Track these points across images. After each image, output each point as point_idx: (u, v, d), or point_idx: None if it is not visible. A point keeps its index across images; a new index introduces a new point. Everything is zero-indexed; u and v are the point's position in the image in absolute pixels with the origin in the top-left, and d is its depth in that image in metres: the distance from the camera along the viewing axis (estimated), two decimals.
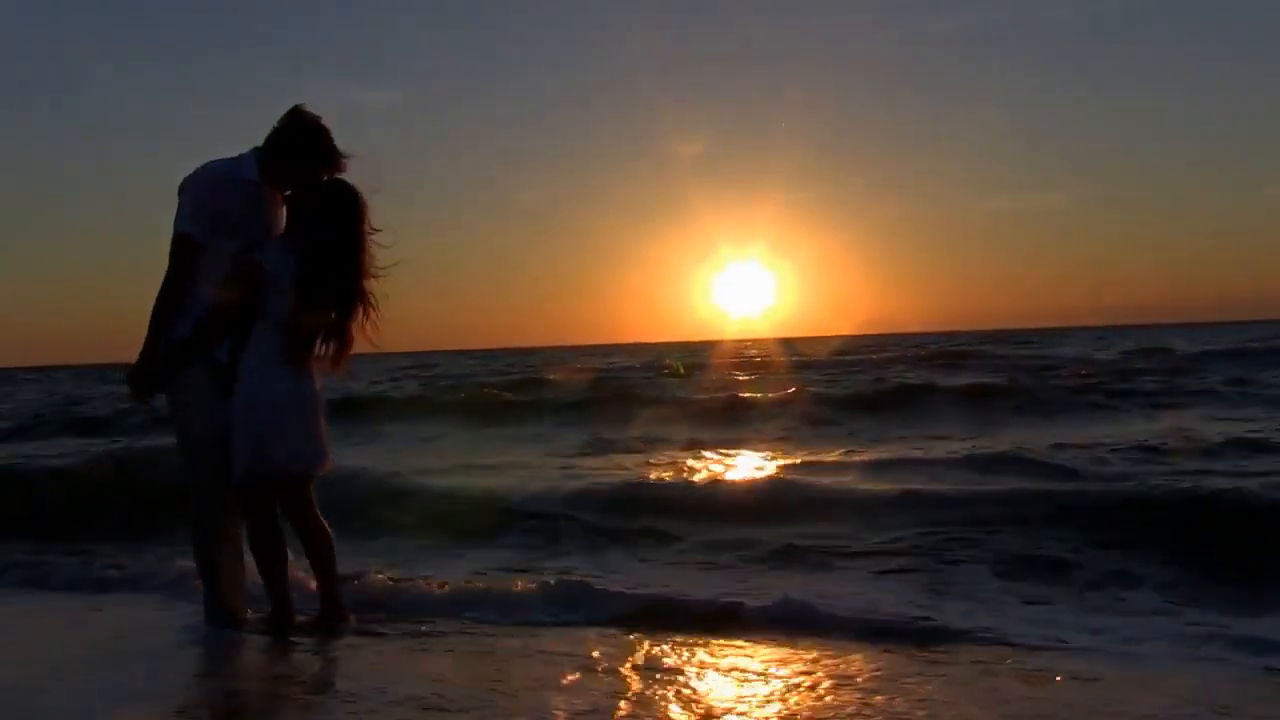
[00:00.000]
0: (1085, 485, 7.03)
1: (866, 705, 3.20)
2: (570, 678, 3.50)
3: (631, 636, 4.13)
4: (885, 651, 3.88)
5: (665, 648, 3.94)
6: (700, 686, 3.43)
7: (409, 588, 4.99)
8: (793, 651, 3.89)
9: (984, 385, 16.28)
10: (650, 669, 3.63)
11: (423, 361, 43.97)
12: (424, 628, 4.39)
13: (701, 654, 3.85)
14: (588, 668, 3.63)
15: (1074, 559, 5.19)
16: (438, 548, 6.16)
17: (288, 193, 4.07)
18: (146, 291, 4.01)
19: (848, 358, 34.03)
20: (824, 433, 12.55)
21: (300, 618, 4.23)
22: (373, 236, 4.05)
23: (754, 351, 47.59)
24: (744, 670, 3.64)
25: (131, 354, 4.03)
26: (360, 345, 4.11)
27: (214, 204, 3.94)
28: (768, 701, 3.27)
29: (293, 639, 4.07)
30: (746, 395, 16.87)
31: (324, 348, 4.07)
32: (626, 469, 9.44)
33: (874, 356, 34.08)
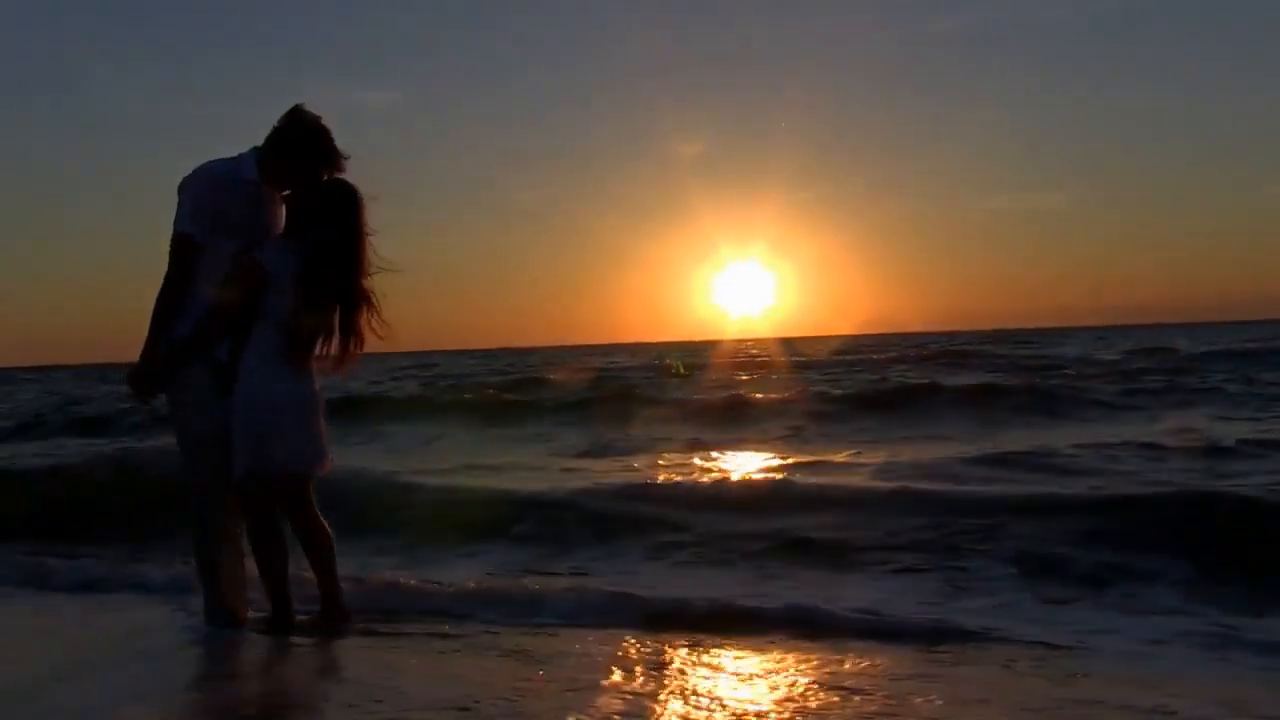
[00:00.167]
0: (1096, 485, 7.01)
1: (895, 705, 3.18)
2: (594, 680, 3.47)
3: (653, 639, 4.10)
4: (907, 652, 3.87)
5: (686, 650, 3.91)
6: (724, 690, 3.39)
7: (418, 588, 4.98)
8: (811, 653, 3.87)
9: (989, 385, 16.23)
10: (676, 672, 3.61)
11: (423, 361, 44.04)
12: (434, 629, 4.37)
13: (721, 657, 3.83)
14: (611, 671, 3.60)
15: (1087, 558, 5.14)
16: (442, 549, 6.13)
17: (287, 192, 4.06)
18: (146, 291, 3.99)
19: (849, 357, 34.07)
20: (829, 432, 12.50)
21: (300, 618, 4.20)
22: (371, 237, 4.04)
23: (755, 351, 47.63)
24: (764, 673, 3.61)
25: (131, 354, 4.02)
26: (367, 343, 4.09)
27: (213, 204, 3.93)
28: (789, 704, 3.23)
29: (293, 639, 4.06)
30: (749, 395, 16.84)
31: (325, 347, 4.05)
32: (630, 469, 9.41)
33: (875, 356, 34.11)
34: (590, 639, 4.13)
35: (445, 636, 4.27)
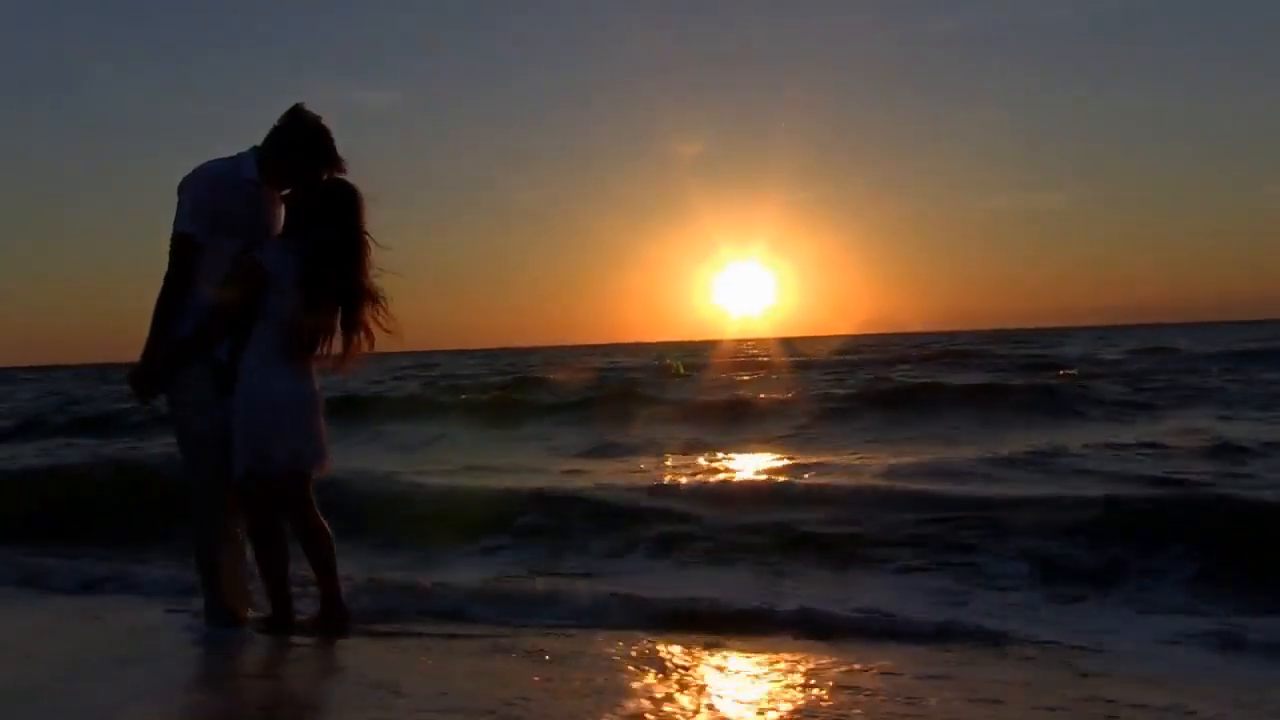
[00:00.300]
0: (1105, 485, 6.98)
1: (912, 706, 3.17)
2: (606, 682, 3.46)
3: (665, 639, 4.10)
4: (920, 652, 3.86)
5: (699, 651, 3.90)
6: (740, 692, 3.37)
7: (421, 589, 4.98)
8: (823, 654, 3.86)
9: (994, 385, 16.16)
10: (690, 673, 3.60)
11: (423, 361, 43.96)
12: (437, 629, 4.36)
13: (734, 658, 3.82)
14: (622, 672, 3.59)
15: (1096, 558, 5.13)
16: (446, 550, 6.11)
17: (287, 192, 4.05)
18: (146, 291, 3.97)
19: (850, 357, 34.02)
20: (833, 433, 12.43)
21: (299, 617, 4.20)
22: (371, 236, 4.03)
23: (755, 351, 47.57)
24: (779, 674, 3.58)
25: (131, 354, 4.02)
26: (377, 339, 4.09)
27: (213, 203, 3.92)
28: (807, 705, 3.21)
29: (293, 639, 4.05)
30: (751, 395, 16.81)
31: (327, 347, 4.04)
32: (633, 470, 9.37)
33: (877, 357, 34.02)
34: (599, 640, 4.12)
35: (450, 637, 4.26)
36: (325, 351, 4.05)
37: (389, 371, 30.42)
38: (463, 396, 18.56)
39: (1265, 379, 17.01)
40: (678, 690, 3.37)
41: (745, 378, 23.90)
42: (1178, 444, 9.49)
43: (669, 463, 9.88)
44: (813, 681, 3.46)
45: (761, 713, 3.14)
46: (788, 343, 60.52)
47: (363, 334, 4.05)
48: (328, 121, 3.99)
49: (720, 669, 3.67)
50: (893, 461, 8.95)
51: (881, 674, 3.54)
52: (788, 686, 3.42)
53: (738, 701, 3.25)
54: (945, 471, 8.00)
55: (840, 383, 19.52)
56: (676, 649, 3.92)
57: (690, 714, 3.12)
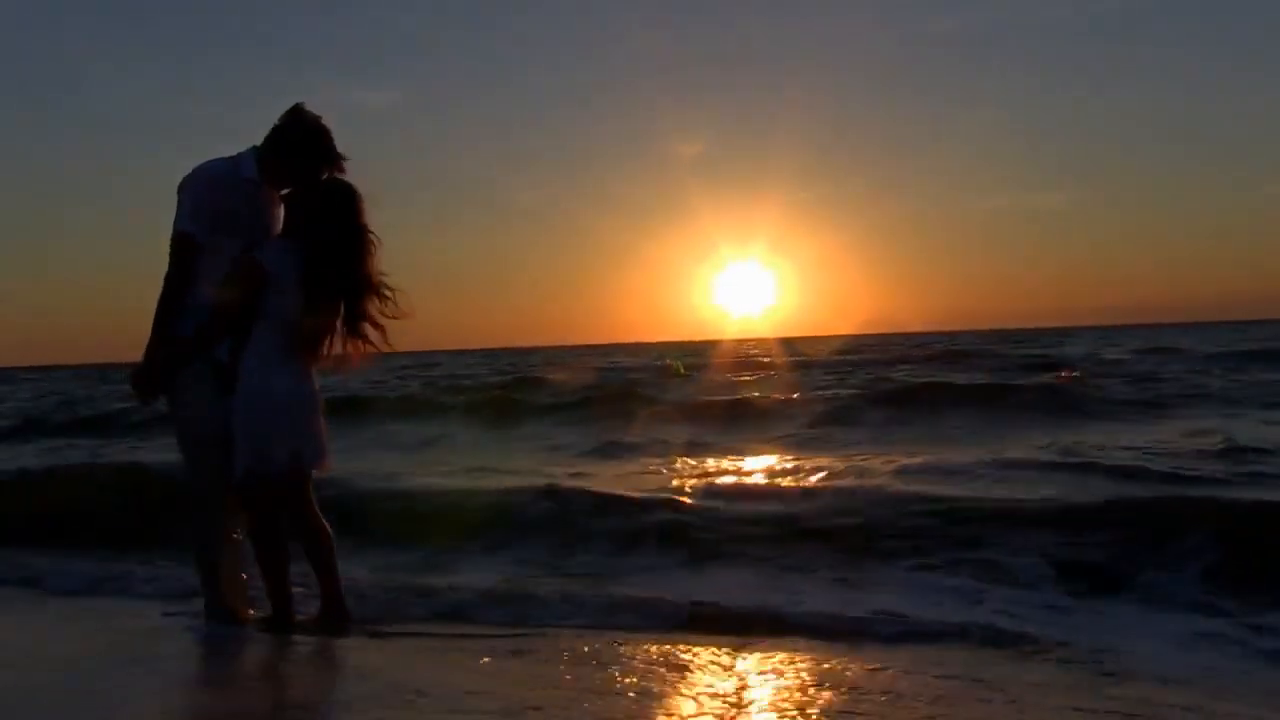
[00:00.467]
0: (1118, 484, 6.95)
1: (946, 710, 3.15)
2: (618, 683, 3.43)
3: (683, 641, 4.08)
4: (945, 654, 3.85)
5: (719, 653, 3.87)
6: (768, 695, 3.33)
7: (434, 590, 4.98)
8: (848, 657, 3.84)
9: (1000, 385, 16.08)
10: (709, 675, 3.57)
11: (424, 361, 43.95)
12: (443, 629, 4.36)
13: (758, 660, 3.78)
14: (647, 675, 3.56)
15: (1114, 559, 5.10)
16: (451, 551, 6.08)
17: (286, 191, 4.04)
18: (146, 291, 3.97)
19: (851, 357, 34.00)
20: (839, 433, 12.34)
21: (300, 617, 4.19)
22: (373, 234, 4.02)
23: (755, 351, 47.55)
24: (810, 677, 3.55)
25: (131, 354, 4.02)
26: (386, 331, 4.07)
27: (213, 203, 3.92)
28: (838, 708, 3.17)
29: (294, 639, 4.04)
30: (754, 395, 16.74)
31: (330, 346, 4.04)
32: (638, 470, 9.33)
33: (878, 357, 33.98)
34: (614, 641, 4.10)
35: (462, 637, 4.26)
36: (327, 352, 4.05)
37: (389, 371, 30.40)
38: (463, 396, 18.52)
39: (1269, 379, 16.96)
40: (700, 693, 3.34)
41: (746, 378, 23.85)
42: (1187, 443, 9.46)
43: (673, 463, 9.82)
44: (835, 683, 3.43)
45: (788, 716, 3.10)
46: (788, 343, 60.51)
47: (370, 327, 4.03)
48: (328, 121, 3.99)
49: (741, 671, 3.64)
50: (902, 461, 8.89)
51: (903, 675, 3.52)
52: (810, 688, 3.39)
53: (764, 705, 3.21)
54: (953, 471, 7.94)
55: (842, 383, 19.48)
56: (694, 651, 3.90)
57: (716, 717, 3.09)
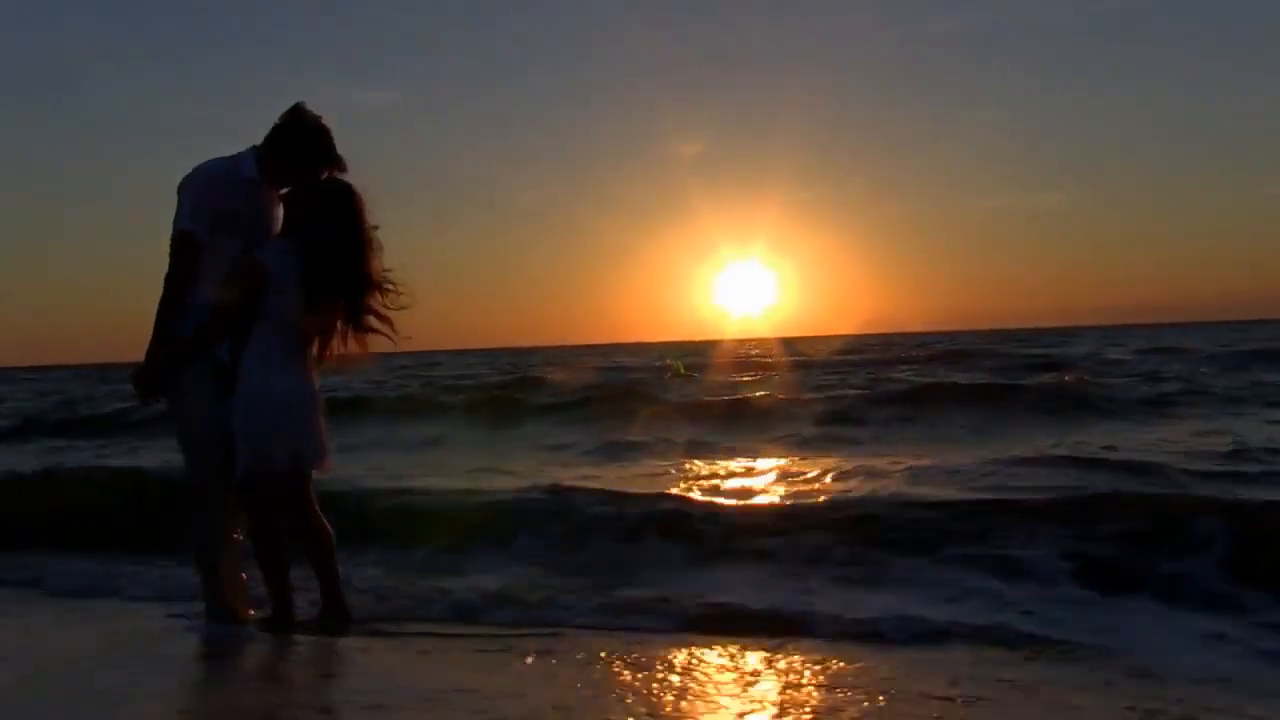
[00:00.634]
0: (1130, 483, 6.90)
1: (974, 708, 3.15)
2: (656, 687, 3.41)
3: (702, 643, 4.06)
4: (978, 657, 3.84)
5: (746, 656, 3.84)
6: (804, 698, 3.30)
7: (442, 591, 5.00)
8: (875, 660, 3.81)
9: (1005, 385, 15.98)
10: (741, 679, 3.54)
11: (425, 361, 43.92)
12: (450, 630, 4.36)
13: (786, 663, 3.75)
14: (671, 676, 3.54)
15: (1133, 557, 5.04)
16: (457, 553, 6.02)
17: (285, 191, 4.05)
18: (146, 291, 4.00)
19: (852, 357, 33.93)
20: (845, 433, 12.17)
21: (300, 617, 4.20)
22: (375, 232, 4.04)
23: (757, 351, 47.49)
24: (847, 680, 3.50)
25: (131, 354, 4.07)
26: (388, 327, 4.08)
27: (213, 203, 3.93)
28: (876, 712, 3.14)
29: (295, 639, 4.04)
30: (756, 395, 16.61)
31: (331, 345, 4.08)
32: (643, 471, 9.25)
33: (880, 356, 33.92)
34: (634, 643, 4.08)
35: (466, 636, 4.25)
36: (328, 352, 4.08)
37: (389, 371, 30.35)
38: (463, 396, 18.48)
39: (1274, 380, 16.90)
40: (719, 694, 3.32)
41: (747, 378, 23.78)
42: (1196, 443, 9.40)
43: (677, 463, 9.74)
44: (860, 685, 3.40)
45: (809, 718, 3.08)
46: (788, 343, 60.46)
47: (376, 321, 4.04)
48: (328, 121, 4.00)
49: (755, 673, 3.60)
50: (908, 461, 8.81)
51: (927, 677, 3.50)
52: (830, 689, 3.36)
53: (785, 707, 3.18)
54: (960, 470, 7.86)
55: (845, 382, 19.40)
56: (708, 652, 3.88)
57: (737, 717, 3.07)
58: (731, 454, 10.53)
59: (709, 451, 10.76)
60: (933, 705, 3.17)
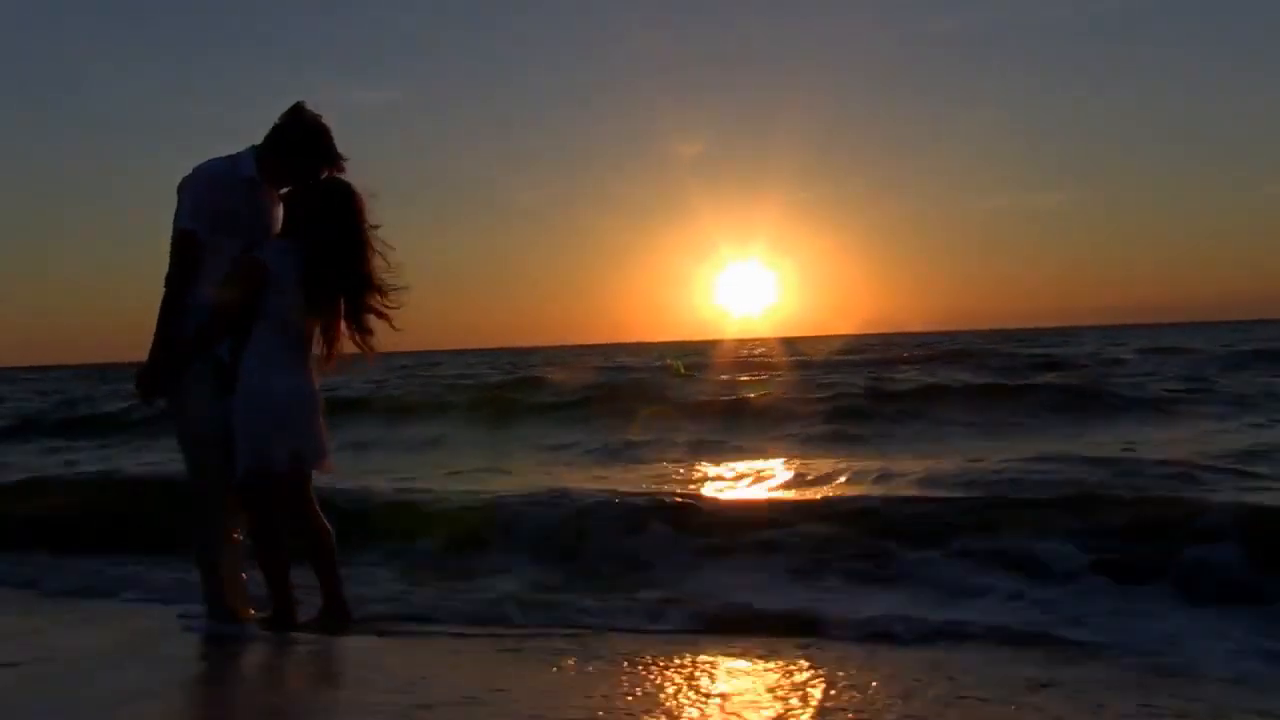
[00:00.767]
0: (1147, 482, 6.86)
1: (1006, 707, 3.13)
2: (681, 689, 3.39)
3: (723, 644, 4.04)
4: (993, 654, 3.85)
5: (766, 659, 3.81)
6: (845, 701, 3.25)
7: (451, 593, 5.00)
8: (889, 659, 3.80)
9: (1008, 385, 15.88)
10: (765, 680, 3.52)
11: (425, 361, 43.91)
12: (456, 631, 4.36)
13: (805, 665, 3.71)
14: (676, 678, 3.53)
15: (1151, 556, 4.99)
16: (462, 554, 6.00)
17: (285, 190, 4.06)
18: (146, 291, 4.00)
19: (854, 357, 33.84)
20: (850, 432, 12.11)
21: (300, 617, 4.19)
22: (377, 232, 4.04)
23: (759, 351, 47.47)
24: (878, 682, 3.47)
25: (131, 354, 4.14)
26: (386, 328, 4.09)
27: (213, 203, 3.92)
28: (916, 714, 3.11)
29: (295, 638, 4.04)
30: (759, 395, 16.58)
31: (331, 346, 4.08)
32: (649, 471, 9.20)
33: (881, 356, 33.84)
34: (637, 643, 4.07)
35: (481, 638, 4.24)
36: (331, 351, 4.09)
37: (390, 371, 30.34)
38: (464, 396, 18.45)
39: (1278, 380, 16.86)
40: (749, 697, 3.29)
41: (749, 378, 23.71)
42: (1205, 442, 9.36)
43: (682, 463, 9.70)
44: (916, 688, 3.37)
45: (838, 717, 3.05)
46: (789, 342, 60.44)
47: (374, 319, 4.04)
48: (328, 120, 4.00)
49: (784, 676, 3.56)
50: (919, 459, 8.78)
51: (949, 679, 3.47)
52: (890, 694, 3.31)
53: (822, 713, 3.14)
54: (968, 469, 7.80)
55: (847, 382, 19.30)
56: (731, 654, 3.87)
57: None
58: (738, 453, 10.50)
59: (714, 450, 10.72)
60: (973, 704, 3.16)
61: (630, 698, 3.26)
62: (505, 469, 9.58)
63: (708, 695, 3.30)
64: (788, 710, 3.14)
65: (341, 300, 4.03)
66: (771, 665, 3.71)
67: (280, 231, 4.06)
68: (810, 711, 3.12)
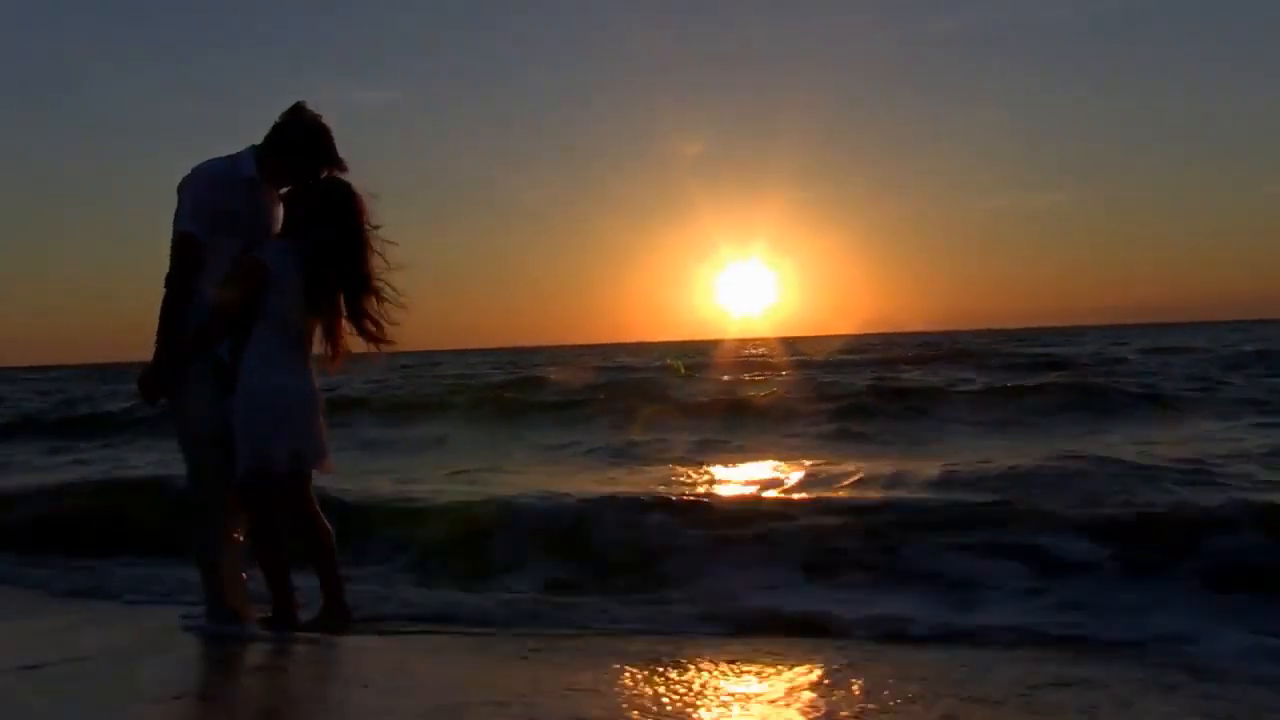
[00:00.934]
0: (1157, 482, 6.80)
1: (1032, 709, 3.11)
2: (703, 690, 3.38)
3: (742, 646, 4.03)
4: (1014, 656, 3.83)
5: (785, 662, 3.77)
6: (874, 702, 3.21)
7: (457, 597, 5.01)
8: (905, 661, 3.77)
9: (1013, 385, 15.86)
10: (785, 682, 3.49)
11: (425, 360, 43.92)
12: (461, 631, 4.37)
13: (823, 667, 3.67)
14: (696, 681, 3.50)
15: (1162, 555, 4.95)
16: (470, 557, 5.95)
17: (284, 190, 4.07)
18: (146, 291, 4.01)
19: (855, 357, 33.80)
20: (854, 432, 12.05)
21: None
22: (378, 232, 4.05)
23: (760, 351, 47.49)
24: (909, 684, 3.43)
25: (131, 353, 4.10)
26: (382, 332, 4.09)
27: (212, 203, 3.93)
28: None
29: (296, 638, 4.03)
30: (761, 395, 16.54)
31: (329, 346, 4.10)
32: (655, 471, 9.13)
33: (882, 356, 33.81)
34: (651, 644, 4.05)
35: (495, 639, 4.25)
36: (330, 351, 4.10)
37: (390, 371, 30.34)
38: (465, 396, 18.43)
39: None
40: (765, 700, 3.27)
41: (750, 378, 23.69)
42: (1214, 442, 9.30)
43: (686, 463, 9.63)
44: (905, 688, 3.34)
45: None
46: (789, 342, 60.46)
47: (368, 324, 4.05)
48: (328, 120, 4.01)
49: (798, 677, 3.53)
50: (929, 458, 8.71)
51: (968, 679, 3.45)
52: (914, 695, 3.27)
53: (822, 711, 3.12)
54: (975, 469, 7.75)
55: (849, 382, 19.26)
56: (745, 655, 3.84)
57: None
58: (742, 452, 10.44)
59: (718, 450, 10.67)
60: (1005, 708, 3.14)
61: (648, 699, 3.23)
62: (507, 469, 9.54)
63: (729, 696, 3.29)
64: (812, 711, 3.11)
65: (342, 300, 4.04)
66: (790, 665, 3.68)
67: (280, 231, 4.06)
68: (839, 713, 3.09)
